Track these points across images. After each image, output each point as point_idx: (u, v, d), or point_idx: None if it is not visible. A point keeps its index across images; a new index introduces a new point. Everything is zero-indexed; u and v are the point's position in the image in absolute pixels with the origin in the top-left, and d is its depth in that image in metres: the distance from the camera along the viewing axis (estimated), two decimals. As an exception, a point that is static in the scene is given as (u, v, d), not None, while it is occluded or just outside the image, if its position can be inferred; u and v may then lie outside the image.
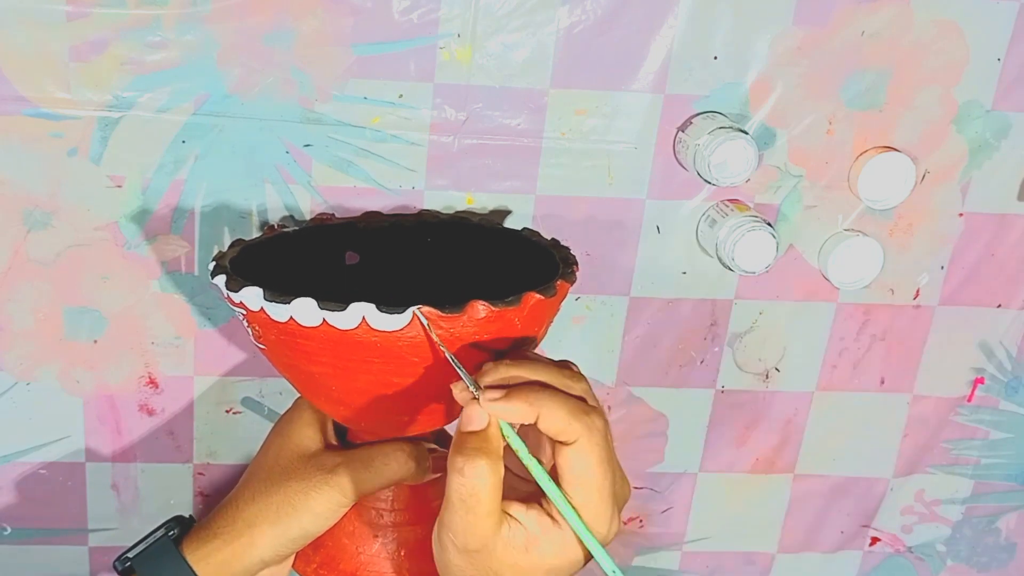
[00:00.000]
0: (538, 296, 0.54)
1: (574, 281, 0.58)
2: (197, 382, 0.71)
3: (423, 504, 0.62)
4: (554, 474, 0.51)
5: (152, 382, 0.71)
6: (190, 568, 0.60)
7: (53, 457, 0.72)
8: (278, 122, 0.65)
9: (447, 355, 0.52)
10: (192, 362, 0.71)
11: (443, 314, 0.52)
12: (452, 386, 0.52)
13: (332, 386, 0.57)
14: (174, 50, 0.63)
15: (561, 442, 0.50)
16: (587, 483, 0.50)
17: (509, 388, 0.50)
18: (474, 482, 0.49)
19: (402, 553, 0.62)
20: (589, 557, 0.51)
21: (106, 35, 0.62)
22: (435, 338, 0.52)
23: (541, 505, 0.51)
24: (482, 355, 0.54)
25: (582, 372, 0.54)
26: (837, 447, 0.79)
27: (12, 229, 0.65)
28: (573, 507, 0.50)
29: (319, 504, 0.59)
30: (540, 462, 0.51)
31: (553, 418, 0.49)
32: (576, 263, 0.61)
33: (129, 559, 0.62)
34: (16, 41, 0.61)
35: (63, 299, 0.67)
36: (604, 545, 0.51)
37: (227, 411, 0.73)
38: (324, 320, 0.52)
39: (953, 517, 0.83)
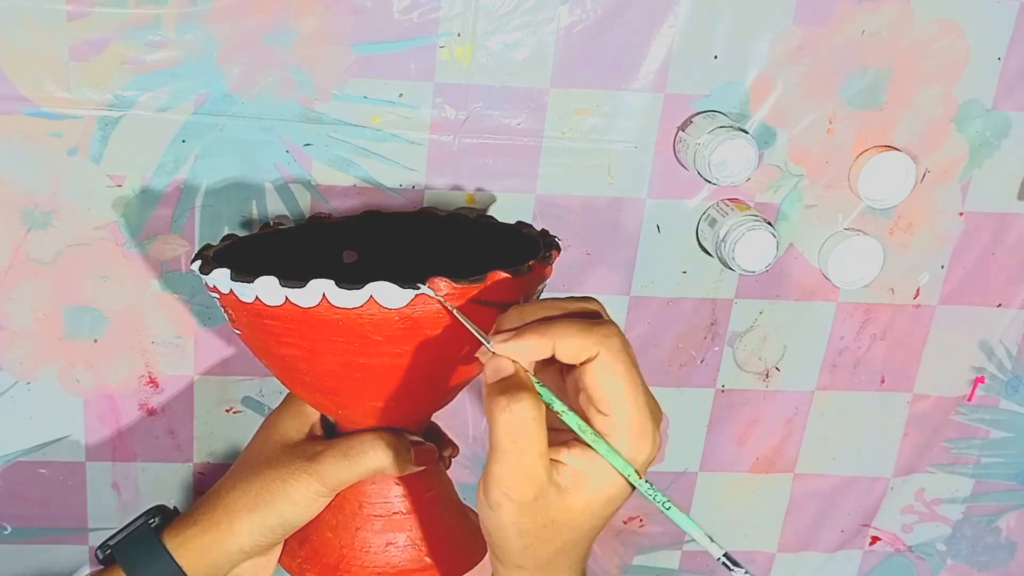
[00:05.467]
0: (503, 274, 0.54)
1: (549, 264, 0.58)
2: (197, 382, 0.71)
3: (408, 496, 0.62)
4: (583, 415, 0.50)
5: (152, 381, 0.71)
6: (169, 555, 0.60)
7: (53, 457, 0.72)
8: (278, 121, 0.65)
9: (455, 314, 0.52)
10: (192, 362, 0.71)
11: (403, 290, 0.52)
12: (478, 353, 0.51)
13: (303, 369, 0.57)
14: (174, 49, 0.63)
15: (582, 362, 0.48)
16: (619, 395, 0.48)
17: (518, 328, 0.49)
18: (523, 416, 0.47)
19: (387, 547, 0.62)
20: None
21: (106, 35, 0.62)
22: (442, 300, 0.53)
23: (581, 443, 0.49)
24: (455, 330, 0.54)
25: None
26: (837, 446, 0.79)
27: (12, 228, 0.65)
28: (605, 441, 0.49)
29: (297, 492, 0.59)
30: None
31: (567, 340, 0.48)
32: (557, 248, 0.61)
33: (110, 547, 0.62)
34: (16, 41, 0.61)
35: (63, 299, 0.67)
36: (651, 460, 0.50)
37: (227, 411, 0.73)
38: (287, 298, 0.53)
39: (953, 516, 0.83)
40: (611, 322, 0.50)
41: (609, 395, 0.48)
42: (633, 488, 0.50)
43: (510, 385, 0.48)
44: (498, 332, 0.50)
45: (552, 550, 0.50)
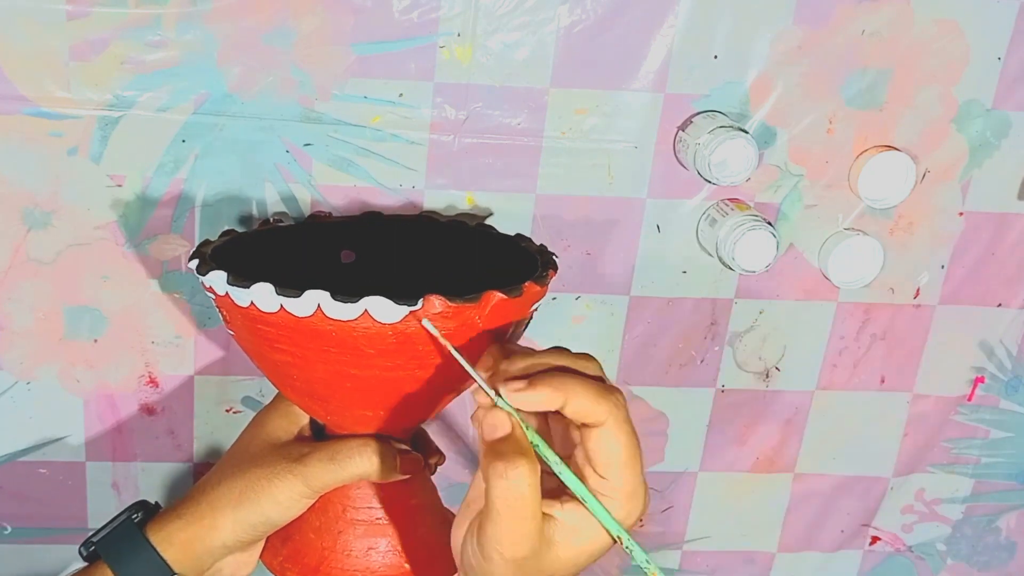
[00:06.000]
0: (500, 296, 0.54)
1: (545, 284, 0.58)
2: (197, 382, 0.71)
3: (392, 503, 0.62)
4: (576, 468, 0.51)
5: (152, 381, 0.71)
6: (154, 549, 0.60)
7: (53, 457, 0.72)
8: (278, 121, 0.65)
9: (455, 354, 0.52)
10: (192, 362, 0.71)
11: (397, 306, 0.53)
12: (474, 393, 0.51)
13: (294, 375, 0.58)
14: (174, 49, 0.63)
15: (588, 425, 0.50)
16: (619, 462, 0.50)
17: (529, 377, 0.50)
18: (519, 484, 0.48)
19: (368, 551, 0.62)
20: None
21: (106, 34, 0.62)
22: (436, 334, 0.53)
23: (573, 497, 0.51)
24: (441, 352, 0.54)
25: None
26: (837, 446, 0.79)
27: (12, 228, 0.65)
28: (595, 498, 0.50)
29: (281, 492, 0.59)
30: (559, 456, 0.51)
31: (579, 400, 0.49)
32: (555, 267, 0.61)
33: (93, 543, 0.62)
34: (16, 41, 0.61)
35: (63, 298, 0.67)
36: (642, 516, 0.52)
37: (227, 411, 0.73)
38: (282, 306, 0.53)
39: (953, 516, 0.83)
40: (618, 389, 0.51)
41: (610, 461, 0.50)
42: (614, 542, 0.51)
43: (507, 450, 0.49)
44: (509, 380, 0.50)
45: None
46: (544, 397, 0.49)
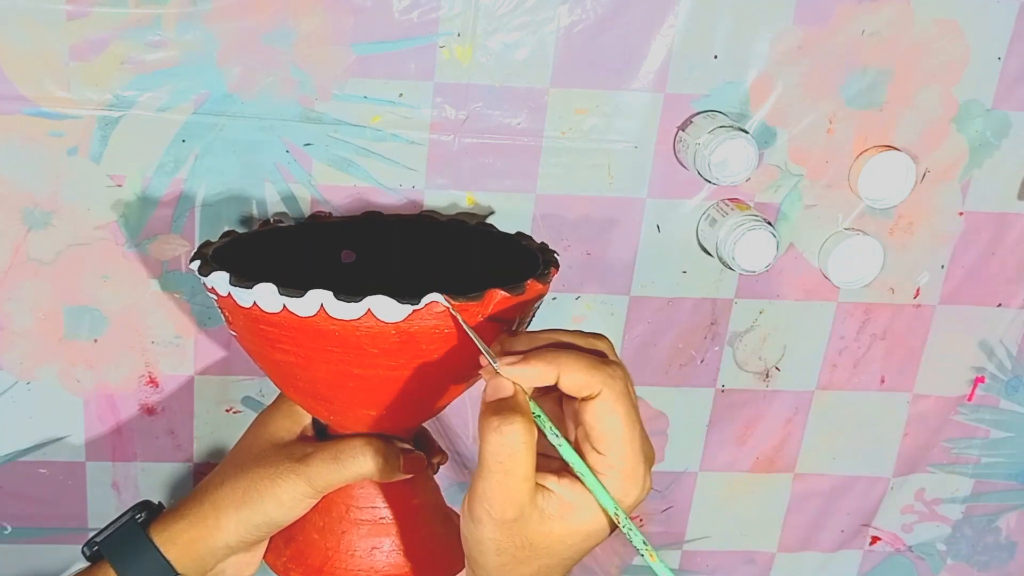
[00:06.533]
0: (503, 293, 0.54)
1: (547, 282, 0.58)
2: (197, 382, 0.71)
3: (395, 503, 0.62)
4: (577, 447, 0.51)
5: (152, 381, 0.71)
6: (157, 549, 0.60)
7: (53, 457, 0.72)
8: (278, 121, 0.65)
9: (466, 329, 0.52)
10: (192, 362, 0.71)
11: (401, 304, 0.53)
12: (481, 370, 0.52)
13: (297, 375, 0.58)
14: (174, 49, 0.63)
15: (584, 398, 0.49)
16: (616, 436, 0.49)
17: (526, 352, 0.50)
18: (512, 440, 0.48)
19: (372, 551, 0.62)
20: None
21: (106, 34, 0.62)
22: (453, 312, 0.53)
23: (573, 474, 0.50)
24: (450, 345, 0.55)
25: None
26: (837, 446, 0.79)
27: (12, 228, 0.65)
28: (596, 477, 0.50)
29: (284, 492, 0.59)
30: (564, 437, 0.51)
31: (573, 373, 0.49)
32: (556, 265, 0.61)
33: (97, 543, 0.62)
34: (16, 40, 0.61)
35: (63, 298, 0.67)
36: (639, 503, 0.51)
37: (227, 411, 0.73)
38: (284, 306, 0.53)
39: (953, 516, 0.83)
40: (618, 362, 0.51)
41: (606, 435, 0.49)
42: (614, 528, 0.51)
43: (505, 407, 0.49)
44: (506, 353, 0.50)
45: (527, 572, 0.51)
46: (537, 371, 0.49)
